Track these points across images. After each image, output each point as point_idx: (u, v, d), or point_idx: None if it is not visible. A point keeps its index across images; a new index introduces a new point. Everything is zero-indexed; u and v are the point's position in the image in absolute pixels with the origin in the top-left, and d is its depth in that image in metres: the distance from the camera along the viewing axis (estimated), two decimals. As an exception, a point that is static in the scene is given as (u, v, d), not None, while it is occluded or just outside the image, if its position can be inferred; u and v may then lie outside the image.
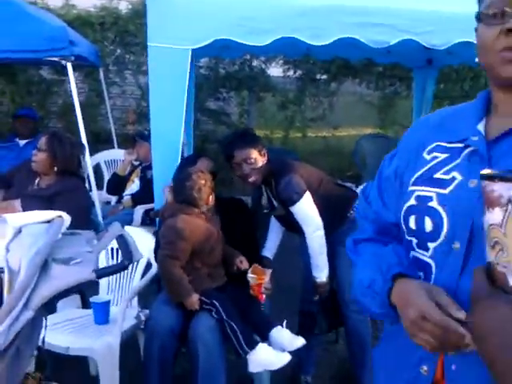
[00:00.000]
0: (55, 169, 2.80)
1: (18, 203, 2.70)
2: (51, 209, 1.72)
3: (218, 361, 2.21)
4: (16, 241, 1.38)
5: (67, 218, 1.50)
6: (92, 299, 2.51)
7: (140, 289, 2.57)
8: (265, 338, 2.27)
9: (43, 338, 1.55)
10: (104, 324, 2.45)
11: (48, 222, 1.45)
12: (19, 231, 1.39)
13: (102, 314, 2.47)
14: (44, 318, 1.47)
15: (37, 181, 2.86)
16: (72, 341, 2.29)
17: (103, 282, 2.65)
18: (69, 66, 3.77)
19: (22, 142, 4.32)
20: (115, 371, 2.24)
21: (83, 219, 2.67)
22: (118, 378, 2.25)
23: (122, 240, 1.54)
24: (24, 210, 2.57)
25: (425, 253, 0.91)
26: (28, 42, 3.64)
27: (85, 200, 2.94)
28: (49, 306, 1.53)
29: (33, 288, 1.42)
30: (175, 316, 2.29)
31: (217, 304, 2.22)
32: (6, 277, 1.36)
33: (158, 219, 2.70)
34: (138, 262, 2.46)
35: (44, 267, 1.43)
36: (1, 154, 4.19)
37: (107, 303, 2.50)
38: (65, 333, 2.36)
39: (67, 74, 3.86)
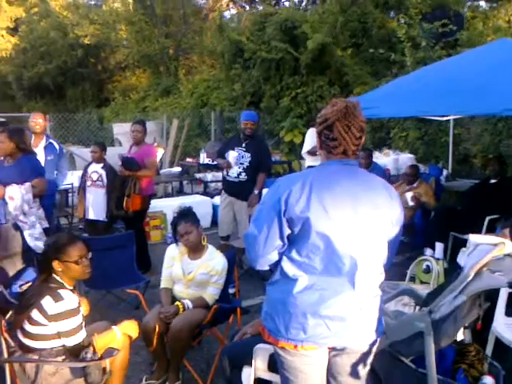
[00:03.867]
0: None
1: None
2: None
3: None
4: (474, 252, 2.21)
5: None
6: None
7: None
8: None
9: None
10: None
11: (495, 244, 2.21)
12: (476, 246, 2.21)
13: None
14: (479, 305, 2.25)
15: None
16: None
17: None
18: None
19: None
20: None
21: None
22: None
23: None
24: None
25: None
26: None
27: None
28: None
29: (469, 281, 2.19)
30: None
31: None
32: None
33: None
34: None
35: (479, 272, 2.19)
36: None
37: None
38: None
39: None
